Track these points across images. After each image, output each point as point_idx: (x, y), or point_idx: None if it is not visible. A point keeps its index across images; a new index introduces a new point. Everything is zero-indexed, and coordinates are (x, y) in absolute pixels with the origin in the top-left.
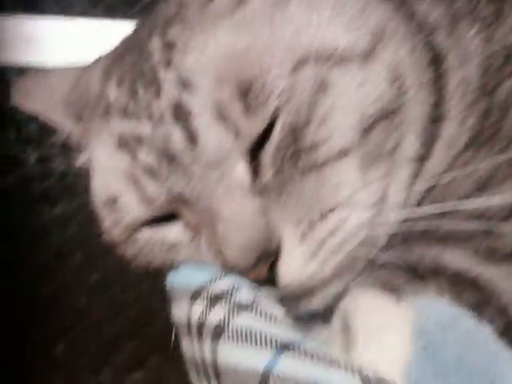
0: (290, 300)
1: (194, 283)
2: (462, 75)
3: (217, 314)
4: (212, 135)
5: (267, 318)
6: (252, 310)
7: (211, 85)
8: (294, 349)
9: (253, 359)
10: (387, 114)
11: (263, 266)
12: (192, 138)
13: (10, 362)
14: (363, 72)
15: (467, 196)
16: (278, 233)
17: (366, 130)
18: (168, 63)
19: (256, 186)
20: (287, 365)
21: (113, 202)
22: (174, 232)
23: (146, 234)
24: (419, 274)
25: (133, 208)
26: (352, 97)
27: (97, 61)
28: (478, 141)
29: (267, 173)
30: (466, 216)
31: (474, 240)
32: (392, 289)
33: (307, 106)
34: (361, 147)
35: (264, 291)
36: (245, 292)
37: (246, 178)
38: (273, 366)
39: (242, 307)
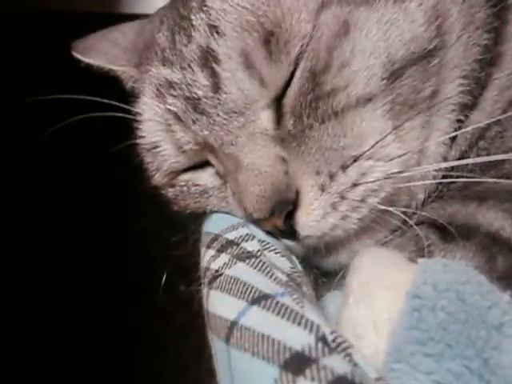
0: (318, 253)
1: (214, 231)
2: None
3: (219, 261)
4: (236, 82)
5: (261, 270)
6: (251, 260)
7: (237, 31)
8: (266, 302)
9: (227, 308)
10: (422, 57)
11: (279, 216)
12: (217, 84)
13: None
14: (395, 10)
15: None
16: (297, 182)
17: (395, 75)
18: (200, 8)
19: (278, 135)
20: (252, 318)
21: (154, 148)
22: (205, 177)
23: (184, 178)
24: (451, 234)
25: (170, 156)
26: (377, 39)
27: (159, 9)
28: None
29: (289, 122)
30: (507, 173)
31: None
32: (419, 250)
33: (327, 50)
34: (388, 93)
35: (286, 245)
36: (253, 242)
37: (270, 125)
38: (240, 317)
39: (242, 257)
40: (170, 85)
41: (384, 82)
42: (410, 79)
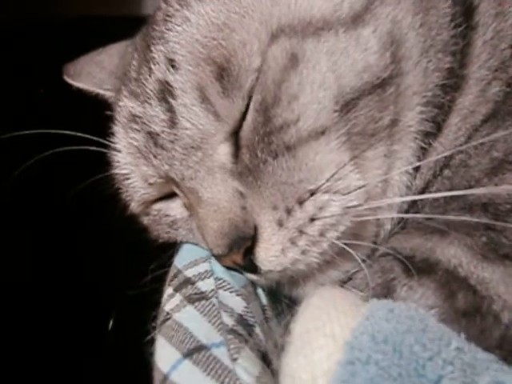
0: (283, 286)
1: (178, 265)
2: (495, 30)
3: (172, 302)
4: (192, 117)
5: (208, 314)
6: (201, 302)
7: (192, 65)
8: (198, 356)
9: (164, 359)
10: (377, 86)
11: (238, 252)
12: (173, 119)
13: None
14: (346, 39)
15: (477, 181)
16: (255, 218)
17: (348, 106)
18: (160, 39)
19: (236, 169)
20: (181, 373)
21: (125, 180)
22: (175, 208)
23: (156, 207)
24: (414, 268)
25: (140, 188)
26: (327, 70)
27: (142, 28)
28: (498, 114)
29: (246, 156)
30: (470, 205)
31: (474, 234)
32: (384, 283)
33: (276, 84)
34: (342, 125)
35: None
36: (209, 280)
37: (228, 159)
38: (171, 371)
39: (193, 299)
40: (133, 118)
41: (336, 113)
42: (365, 109)
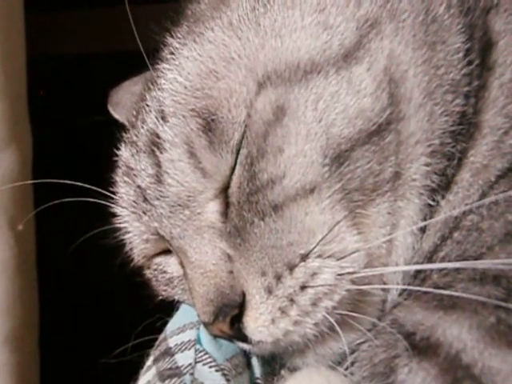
0: (283, 355)
1: (168, 329)
2: None
3: (146, 376)
4: (178, 173)
5: None
6: (171, 380)
7: (180, 117)
8: None
9: None
10: (373, 134)
11: (224, 320)
12: (159, 175)
13: None
14: (337, 81)
15: (489, 248)
16: (242, 284)
17: (339, 158)
18: (154, 87)
19: (225, 228)
20: None
21: (125, 234)
22: (173, 265)
23: (156, 261)
24: (415, 347)
25: (138, 243)
26: (312, 120)
27: None
28: None
29: (235, 214)
30: (481, 276)
31: (482, 312)
32: (388, 360)
33: (262, 137)
34: (335, 180)
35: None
36: (189, 353)
37: (216, 218)
38: None
39: (164, 376)
40: (127, 170)
41: (326, 168)
42: (361, 161)
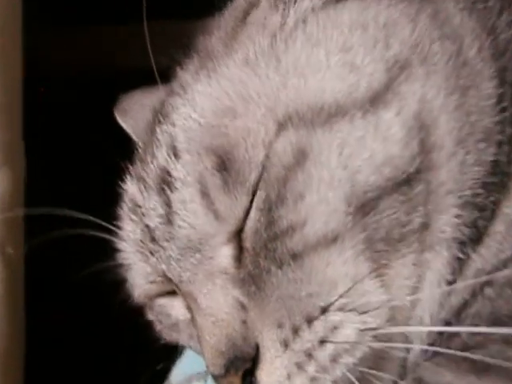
0: None
1: (173, 379)
2: None
3: None
4: (189, 215)
5: None
6: None
7: (194, 154)
8: None
9: None
10: (402, 183)
11: (236, 374)
12: (169, 215)
13: None
14: (364, 125)
15: None
16: (256, 335)
17: (365, 207)
18: (166, 120)
19: (239, 274)
20: None
21: (127, 271)
22: (177, 308)
23: (159, 303)
24: None
25: (141, 283)
26: (337, 166)
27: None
28: None
29: (249, 260)
30: None
31: None
32: None
33: (282, 182)
34: (359, 230)
35: None
36: None
37: (230, 263)
38: None
39: None
40: (134, 207)
41: (350, 217)
42: (388, 211)
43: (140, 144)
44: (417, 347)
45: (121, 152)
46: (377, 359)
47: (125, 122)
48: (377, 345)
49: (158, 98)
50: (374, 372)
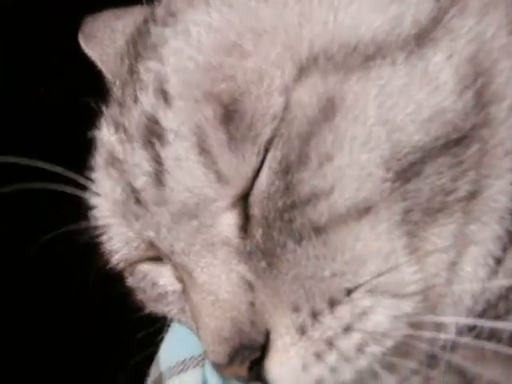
0: None
1: (162, 365)
2: None
3: None
4: (185, 174)
5: None
6: None
7: (190, 99)
8: None
9: None
10: (453, 144)
11: (242, 364)
12: (160, 173)
13: None
14: (408, 71)
15: None
16: (266, 320)
17: (406, 173)
18: (153, 54)
19: (244, 246)
20: None
21: (103, 234)
22: (165, 275)
23: (142, 269)
24: None
25: (120, 247)
26: (375, 122)
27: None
28: None
29: (257, 231)
30: None
31: None
32: None
33: (304, 138)
34: (397, 199)
35: None
36: None
37: (233, 233)
38: None
39: None
40: (113, 160)
41: (388, 184)
42: (433, 178)
43: (115, 81)
44: (452, 335)
45: (88, 87)
46: (403, 345)
47: (91, 49)
48: (413, 333)
49: (133, 21)
50: (399, 360)
